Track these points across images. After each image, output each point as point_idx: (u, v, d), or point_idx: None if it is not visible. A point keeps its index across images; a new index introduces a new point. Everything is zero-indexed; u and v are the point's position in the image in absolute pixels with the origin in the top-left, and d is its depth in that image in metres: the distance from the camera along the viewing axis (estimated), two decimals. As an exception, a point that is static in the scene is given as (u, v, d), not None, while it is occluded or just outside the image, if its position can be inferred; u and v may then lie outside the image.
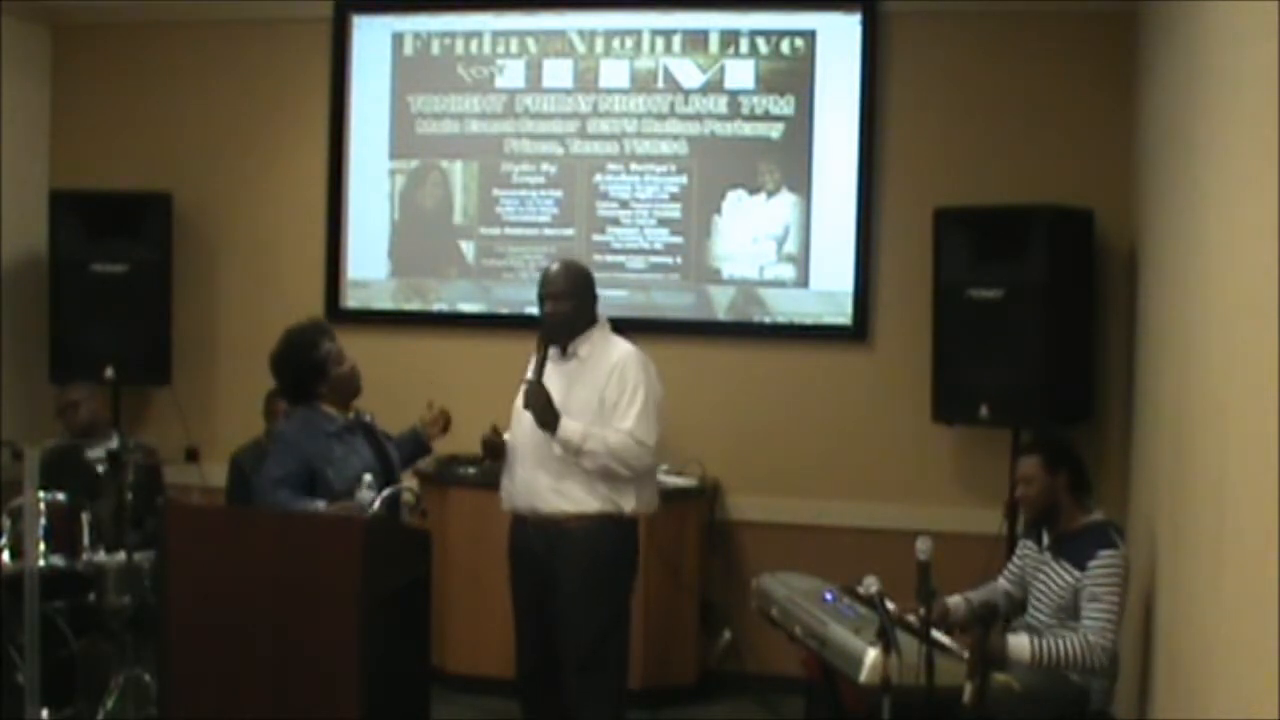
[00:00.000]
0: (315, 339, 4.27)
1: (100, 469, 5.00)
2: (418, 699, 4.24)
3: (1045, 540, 4.27)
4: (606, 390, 4.21)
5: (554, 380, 4.25)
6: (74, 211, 6.17)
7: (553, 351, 4.29)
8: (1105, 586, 3.99)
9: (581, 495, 4.21)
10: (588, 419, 4.19)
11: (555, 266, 4.46)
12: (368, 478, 4.04)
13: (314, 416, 4.21)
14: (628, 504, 4.27)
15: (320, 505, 4.05)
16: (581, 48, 6.14)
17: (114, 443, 5.28)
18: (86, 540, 4.80)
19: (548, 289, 4.34)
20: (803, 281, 5.94)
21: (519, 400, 4.30)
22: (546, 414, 4.16)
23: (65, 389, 5.72)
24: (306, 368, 4.23)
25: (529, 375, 4.29)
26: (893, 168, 5.86)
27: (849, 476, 5.87)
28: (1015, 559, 4.45)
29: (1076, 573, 4.06)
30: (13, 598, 4.50)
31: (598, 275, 6.00)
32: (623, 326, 5.82)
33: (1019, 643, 3.94)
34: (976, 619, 4.01)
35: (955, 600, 4.35)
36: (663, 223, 6.07)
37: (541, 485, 4.22)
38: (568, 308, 4.30)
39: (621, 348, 4.32)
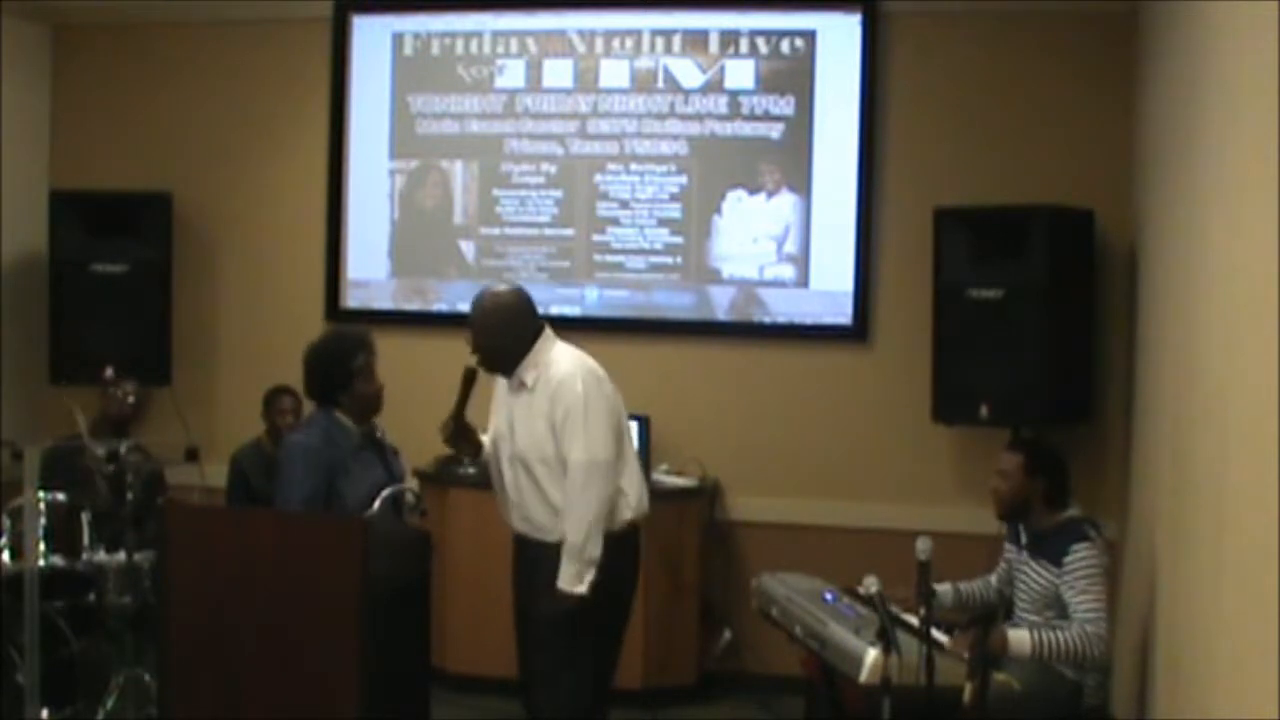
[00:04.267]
0: (354, 349, 4.26)
1: (107, 468, 4.99)
2: (418, 699, 4.24)
3: (1023, 539, 4.29)
4: (554, 416, 4.07)
5: (511, 414, 4.17)
6: (74, 211, 6.18)
7: (508, 383, 4.21)
8: (1086, 579, 4.00)
9: (542, 522, 4.12)
10: (550, 449, 4.07)
11: (477, 299, 4.28)
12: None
13: (333, 428, 4.19)
14: None
15: None
16: (581, 48, 6.14)
17: (129, 441, 5.29)
18: (86, 540, 4.80)
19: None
20: (803, 281, 5.94)
21: (497, 418, 4.27)
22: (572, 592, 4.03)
23: (118, 379, 5.74)
24: (336, 374, 4.22)
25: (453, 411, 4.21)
26: (893, 168, 5.86)
27: (849, 476, 5.88)
28: (1001, 560, 4.47)
29: (1055, 569, 4.08)
30: (13, 598, 4.50)
31: (598, 275, 6.08)
32: (622, 326, 5.89)
33: (1019, 637, 3.95)
34: (976, 619, 4.01)
35: (944, 588, 4.37)
36: (663, 223, 6.07)
37: (534, 519, 4.15)
38: (481, 342, 4.18)
39: (561, 368, 4.12)
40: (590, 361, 4.19)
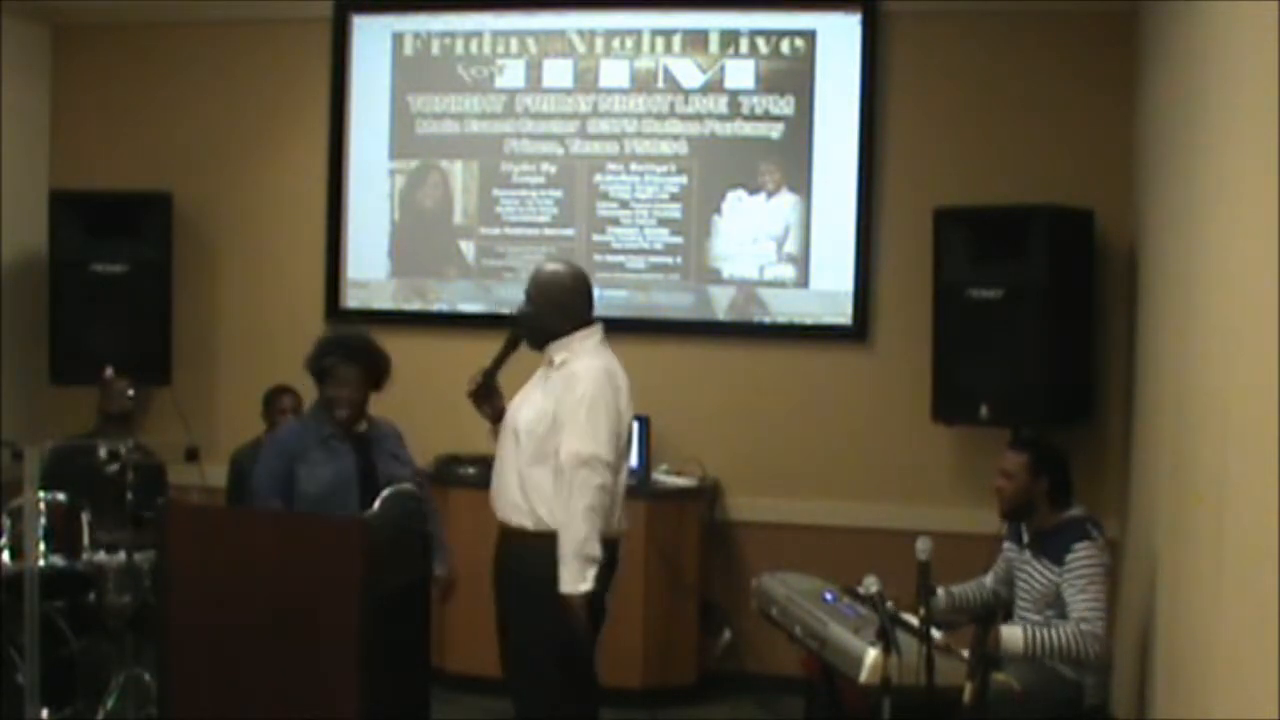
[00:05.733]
0: (329, 349, 4.40)
1: (110, 468, 4.98)
2: (418, 699, 4.24)
3: (1025, 538, 4.29)
4: (560, 404, 4.01)
5: (532, 386, 4.16)
6: (74, 211, 6.18)
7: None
8: (1087, 577, 4.01)
9: (509, 496, 4.07)
10: (543, 428, 4.01)
11: (539, 267, 4.31)
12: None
13: (310, 418, 4.36)
14: None
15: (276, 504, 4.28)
16: (581, 48, 6.14)
17: (129, 441, 5.28)
18: (86, 540, 4.80)
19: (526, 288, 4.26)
20: (803, 281, 5.94)
21: (514, 401, 4.26)
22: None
23: (115, 376, 5.73)
24: (312, 366, 4.41)
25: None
26: (893, 168, 5.86)
27: (849, 476, 5.87)
28: (1000, 559, 4.47)
29: (1056, 568, 4.08)
30: (13, 598, 4.50)
31: (598, 275, 6.05)
32: (622, 326, 5.86)
33: (1012, 634, 3.95)
34: (976, 619, 4.01)
35: (938, 592, 4.36)
36: (663, 223, 6.07)
37: (507, 496, 4.10)
38: (529, 310, 4.16)
39: (585, 362, 4.04)
40: (617, 369, 4.12)
